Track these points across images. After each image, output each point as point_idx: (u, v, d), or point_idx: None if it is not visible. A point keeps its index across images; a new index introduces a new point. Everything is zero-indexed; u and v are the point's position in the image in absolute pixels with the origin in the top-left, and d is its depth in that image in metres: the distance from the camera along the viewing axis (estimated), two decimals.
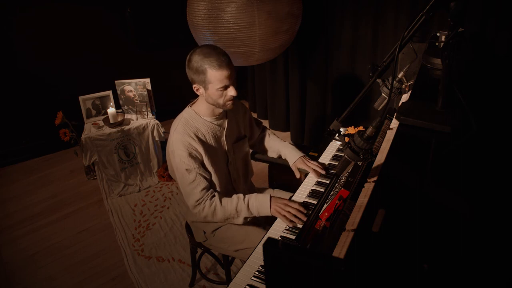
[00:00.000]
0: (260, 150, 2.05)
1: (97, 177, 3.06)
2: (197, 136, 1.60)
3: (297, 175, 1.80)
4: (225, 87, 1.53)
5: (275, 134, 2.01)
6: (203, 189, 1.57)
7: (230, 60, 1.53)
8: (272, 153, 1.98)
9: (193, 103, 1.69)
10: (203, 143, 1.61)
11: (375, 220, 0.83)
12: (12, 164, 3.57)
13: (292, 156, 1.84)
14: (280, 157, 1.95)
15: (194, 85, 1.57)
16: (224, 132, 1.69)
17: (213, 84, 1.51)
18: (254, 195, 1.61)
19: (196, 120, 1.63)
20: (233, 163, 1.77)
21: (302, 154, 1.83)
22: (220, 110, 1.66)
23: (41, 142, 3.66)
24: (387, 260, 0.77)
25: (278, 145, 1.94)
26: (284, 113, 3.81)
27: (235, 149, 1.78)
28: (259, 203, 1.58)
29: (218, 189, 1.68)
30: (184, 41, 3.25)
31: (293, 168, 1.82)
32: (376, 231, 0.81)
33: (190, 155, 1.56)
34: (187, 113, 1.66)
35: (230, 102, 1.59)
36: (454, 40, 1.05)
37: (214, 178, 1.66)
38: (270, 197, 1.57)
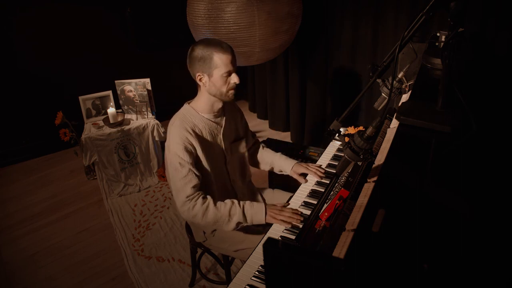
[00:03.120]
0: (251, 163, 1.98)
1: (97, 177, 3.06)
2: (194, 131, 1.60)
3: (302, 181, 1.78)
4: (229, 73, 1.55)
5: (268, 148, 1.99)
6: (194, 186, 1.56)
7: (232, 48, 1.56)
8: (264, 166, 1.96)
9: (190, 101, 1.69)
10: (200, 138, 1.61)
11: (375, 220, 0.83)
12: (12, 164, 3.57)
13: (287, 164, 1.85)
14: (272, 169, 1.93)
15: (197, 74, 1.57)
16: (221, 130, 1.69)
17: (219, 69, 1.53)
18: (249, 202, 1.61)
19: (194, 116, 1.64)
20: (231, 162, 1.76)
21: (296, 161, 1.85)
22: (219, 106, 1.66)
23: (41, 142, 3.66)
24: (387, 260, 0.77)
25: (272, 157, 1.91)
26: (284, 113, 3.81)
27: (233, 149, 1.78)
28: (254, 210, 1.57)
29: (215, 187, 1.68)
30: (184, 41, 3.24)
31: (294, 175, 1.82)
32: (376, 231, 0.81)
33: (186, 149, 1.56)
34: (184, 110, 1.66)
35: (232, 92, 1.60)
36: (454, 40, 1.04)
37: (212, 176, 1.65)
38: (265, 205, 1.58)
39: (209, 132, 1.66)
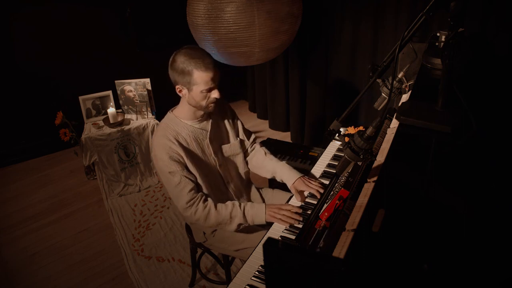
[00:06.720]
0: (251, 167, 1.89)
1: (97, 177, 3.06)
2: (177, 140, 1.58)
3: (298, 199, 1.65)
4: (210, 89, 1.53)
5: (271, 154, 1.88)
6: (191, 190, 1.55)
7: (216, 62, 1.52)
8: (265, 173, 1.83)
9: (174, 108, 1.68)
10: (184, 147, 1.59)
11: (375, 220, 0.83)
12: (12, 164, 3.57)
13: (290, 177, 1.72)
14: (274, 178, 1.81)
15: (177, 86, 1.57)
16: (208, 134, 1.67)
17: (198, 86, 1.51)
18: (250, 203, 1.61)
19: (177, 124, 1.62)
20: (223, 165, 1.74)
21: (301, 175, 1.72)
22: (202, 113, 1.65)
23: (41, 142, 3.66)
24: (387, 260, 0.77)
25: (275, 165, 1.79)
26: (284, 113, 3.81)
27: (224, 151, 1.76)
28: (255, 211, 1.57)
29: (209, 191, 1.66)
30: (184, 41, 3.24)
31: (293, 191, 1.70)
32: (376, 231, 0.81)
33: (171, 158, 1.55)
34: (167, 118, 1.65)
35: (212, 105, 1.59)
36: (454, 40, 1.04)
37: (204, 181, 1.63)
38: (265, 205, 1.58)
39: (194, 139, 1.64)
